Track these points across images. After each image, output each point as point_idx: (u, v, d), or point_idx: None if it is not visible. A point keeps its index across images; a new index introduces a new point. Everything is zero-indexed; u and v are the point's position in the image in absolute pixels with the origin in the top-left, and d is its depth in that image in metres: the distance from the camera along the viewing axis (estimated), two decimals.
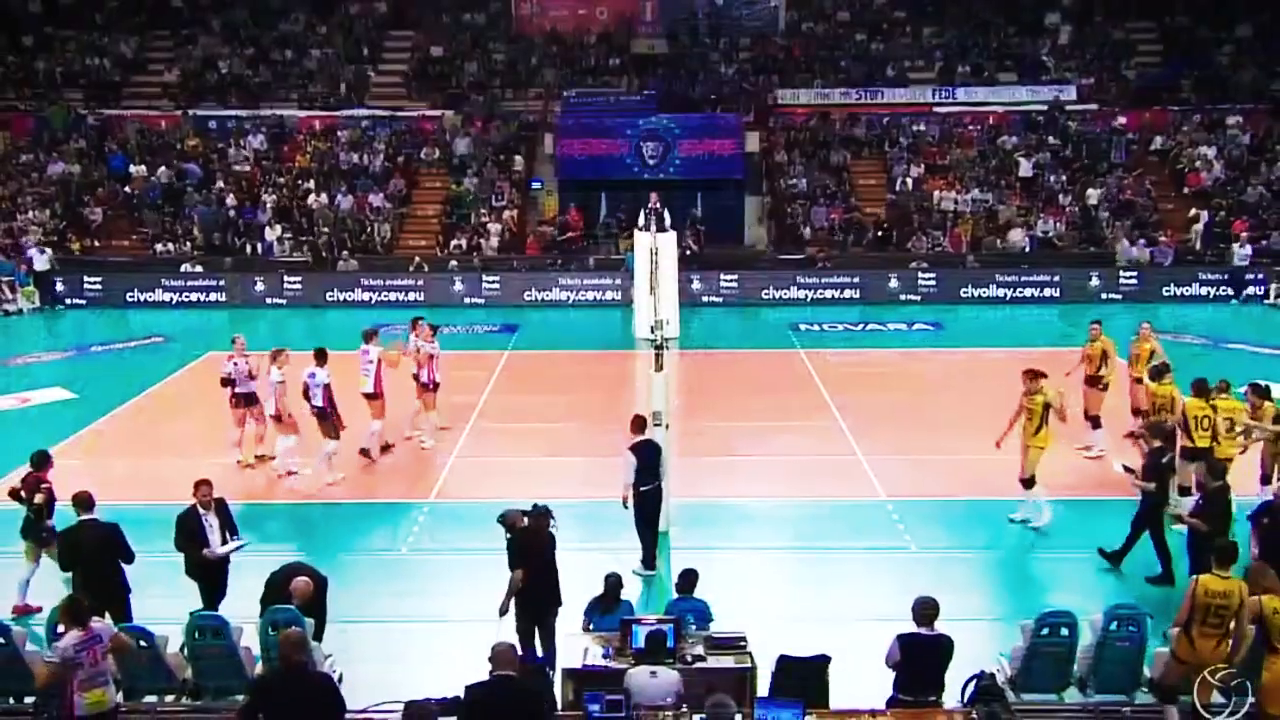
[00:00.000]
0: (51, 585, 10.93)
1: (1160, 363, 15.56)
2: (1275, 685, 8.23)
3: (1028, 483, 14.18)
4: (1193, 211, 33.20)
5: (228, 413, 16.86)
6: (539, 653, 10.28)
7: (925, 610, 8.92)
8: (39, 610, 12.05)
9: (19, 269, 30.02)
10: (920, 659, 8.86)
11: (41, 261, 29.99)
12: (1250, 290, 29.80)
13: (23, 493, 12.31)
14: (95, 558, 10.40)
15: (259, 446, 17.04)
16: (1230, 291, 29.99)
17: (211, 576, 11.08)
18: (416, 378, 17.44)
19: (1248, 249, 29.32)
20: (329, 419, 15.91)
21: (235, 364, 16.65)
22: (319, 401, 15.82)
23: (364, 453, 16.97)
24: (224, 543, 11.09)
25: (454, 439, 18.10)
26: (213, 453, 16.94)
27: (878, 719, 8.60)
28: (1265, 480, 14.22)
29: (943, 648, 8.91)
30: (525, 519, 10.52)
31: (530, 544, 10.38)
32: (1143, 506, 12.72)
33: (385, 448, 17.33)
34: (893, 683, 8.98)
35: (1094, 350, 17.10)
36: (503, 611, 10.30)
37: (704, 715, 7.76)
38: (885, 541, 14.24)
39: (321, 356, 16.01)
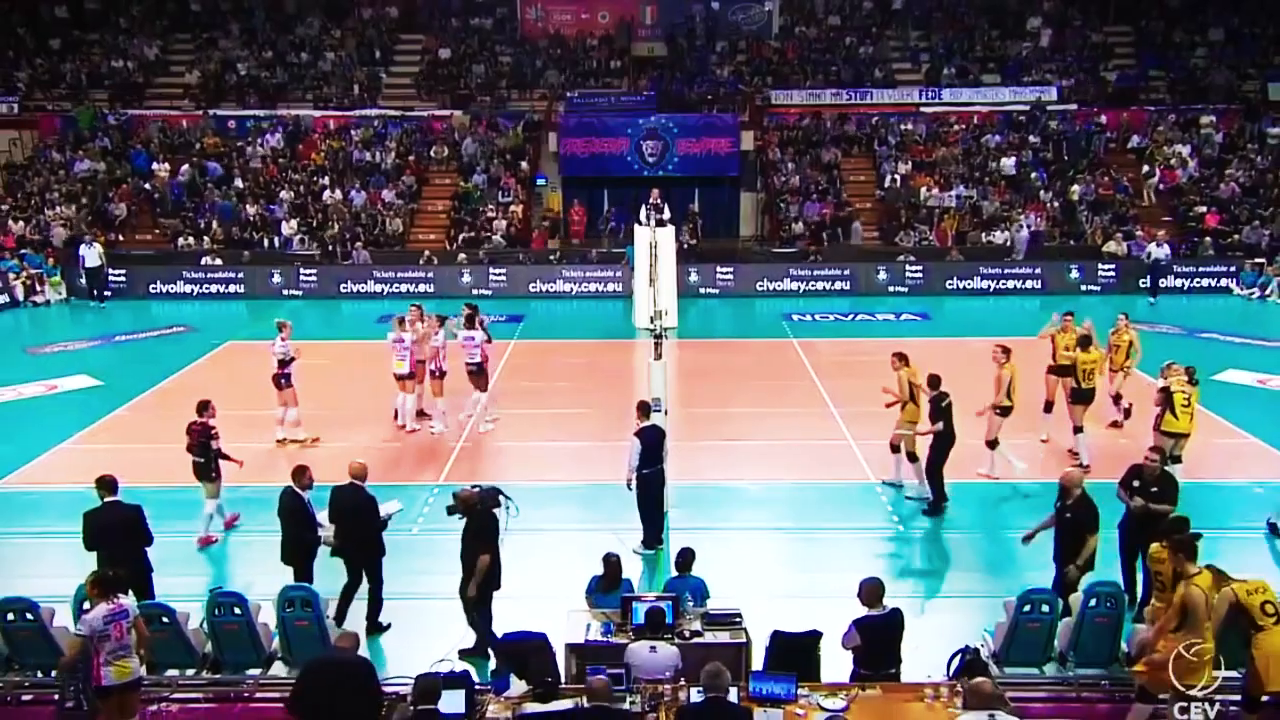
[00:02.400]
0: (80, 564, 10.84)
1: (1084, 335, 16.15)
2: (1266, 661, 8.25)
3: (895, 446, 14.96)
4: (1145, 168, 33.82)
5: (247, 399, 16.84)
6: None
7: (874, 591, 8.92)
8: (216, 541, 13.35)
9: (47, 261, 29.94)
10: (878, 638, 8.86)
11: (92, 257, 28.97)
12: (1166, 282, 29.59)
13: (192, 442, 13.39)
14: (118, 539, 10.35)
15: (282, 428, 17.12)
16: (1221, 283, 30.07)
17: (310, 559, 11.14)
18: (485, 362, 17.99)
19: (1165, 249, 28.91)
20: (482, 374, 17.51)
21: (285, 344, 16.93)
22: (476, 359, 17.36)
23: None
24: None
25: (462, 424, 18.06)
26: (233, 438, 16.86)
27: (867, 692, 8.57)
28: None
29: (896, 624, 8.92)
30: (479, 500, 10.42)
31: (491, 526, 10.35)
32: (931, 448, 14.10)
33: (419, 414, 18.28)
34: (853, 660, 8.98)
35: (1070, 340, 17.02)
36: (471, 594, 10.29)
37: (701, 685, 7.72)
38: (874, 522, 14.25)
39: (471, 321, 17.50)
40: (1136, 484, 10.92)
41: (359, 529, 10.96)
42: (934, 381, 14.17)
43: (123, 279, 30.12)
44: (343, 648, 8.10)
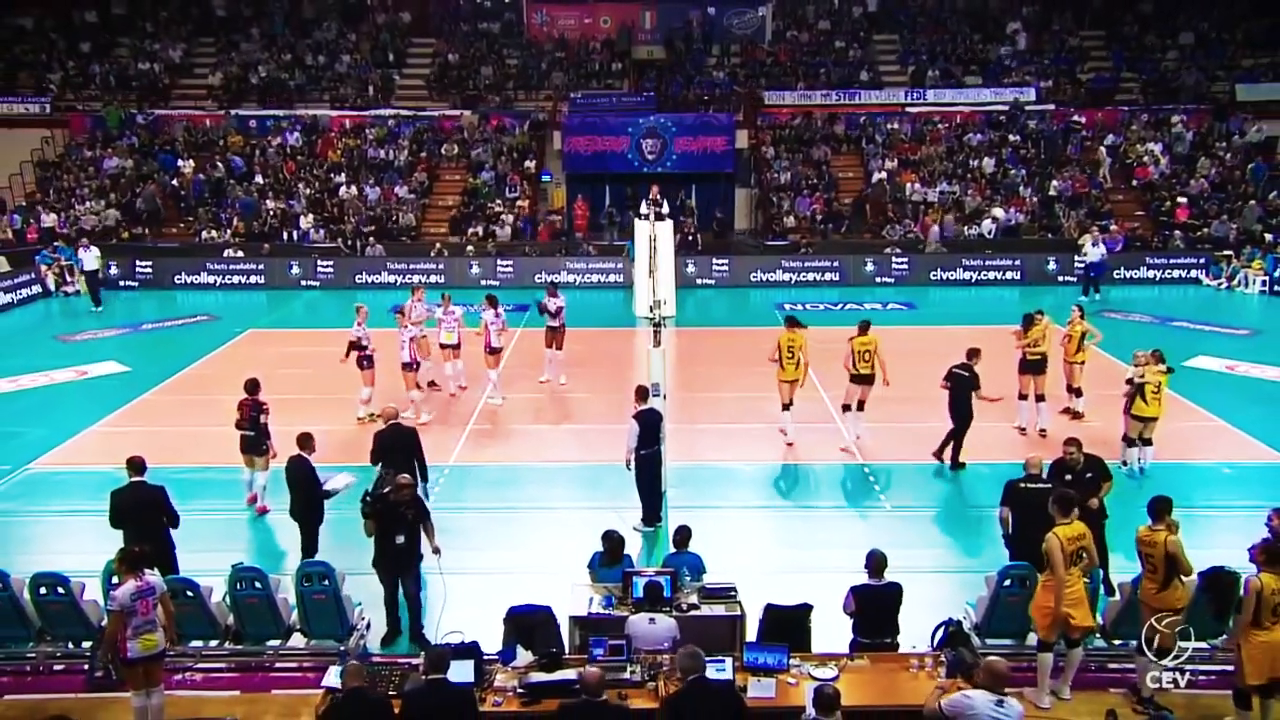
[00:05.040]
0: (108, 541, 10.81)
1: (1028, 314, 16.53)
2: (1253, 655, 8.11)
3: (787, 406, 16.03)
4: (1101, 151, 34.13)
5: (268, 385, 16.73)
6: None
7: (876, 562, 8.93)
8: (268, 511, 13.33)
9: (77, 254, 29.82)
10: (874, 606, 8.86)
11: (89, 260, 27.54)
12: (1139, 273, 29.90)
13: (243, 418, 13.42)
14: (143, 517, 10.30)
15: (365, 407, 17.19)
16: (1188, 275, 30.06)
17: (315, 519, 11.37)
18: (488, 348, 18.20)
19: (1102, 248, 28.21)
20: (559, 333, 18.91)
21: (363, 329, 17.01)
22: (554, 322, 18.81)
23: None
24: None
25: (471, 408, 18.01)
26: None
27: (855, 661, 8.55)
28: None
29: (893, 595, 8.92)
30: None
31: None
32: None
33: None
34: (851, 628, 8.99)
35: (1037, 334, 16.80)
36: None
37: (680, 669, 7.62)
38: (862, 501, 14.21)
39: (554, 289, 19.34)
40: (1069, 478, 10.79)
41: (404, 462, 11.67)
42: (969, 354, 14.92)
43: (149, 270, 30.08)
44: (358, 686, 7.54)
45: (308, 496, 11.34)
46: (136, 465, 10.56)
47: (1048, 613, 8.67)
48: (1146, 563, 8.84)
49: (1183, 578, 8.73)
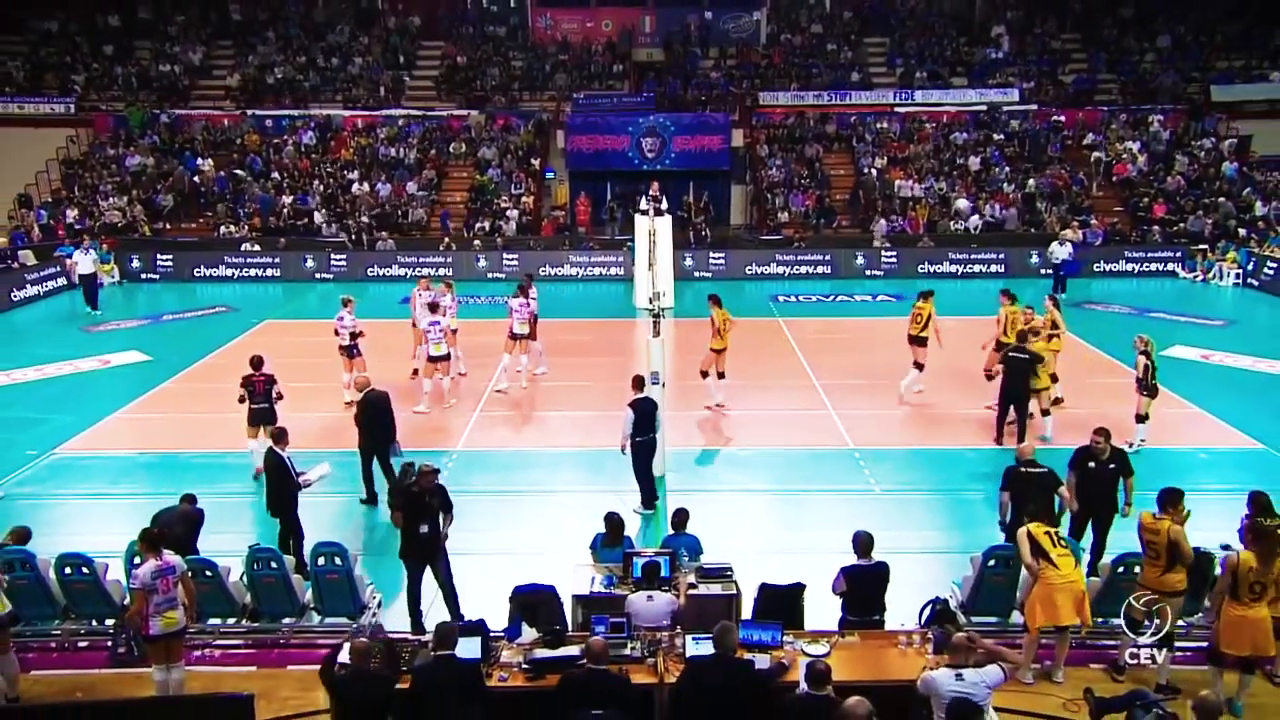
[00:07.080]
0: (131, 523, 10.77)
1: (1004, 289, 17.29)
2: (1230, 626, 8.15)
3: (706, 374, 16.84)
4: (1094, 155, 34.01)
5: (284, 373, 16.73)
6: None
7: (863, 543, 8.85)
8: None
9: (101, 247, 29.72)
10: (863, 585, 8.81)
11: (85, 264, 25.77)
12: (1115, 266, 29.97)
13: (259, 392, 13.76)
14: (178, 525, 10.18)
15: (349, 391, 17.10)
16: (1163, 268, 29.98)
17: (292, 512, 11.13)
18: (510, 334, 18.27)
19: (1069, 248, 27.37)
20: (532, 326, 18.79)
21: (351, 320, 16.98)
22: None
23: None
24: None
25: (477, 395, 17.97)
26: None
27: (846, 638, 8.52)
28: None
29: (882, 574, 8.85)
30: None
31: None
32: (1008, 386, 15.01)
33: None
34: (841, 606, 8.94)
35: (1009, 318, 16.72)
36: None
37: (713, 640, 7.58)
38: (852, 484, 14.13)
39: (529, 280, 19.37)
40: (1092, 465, 10.64)
41: (383, 426, 12.84)
42: (1020, 336, 15.14)
43: (169, 263, 30.02)
44: (375, 668, 7.55)
45: (281, 490, 11.04)
46: (189, 498, 10.52)
47: (1031, 605, 8.66)
48: (1149, 549, 8.78)
49: (1183, 565, 8.70)
